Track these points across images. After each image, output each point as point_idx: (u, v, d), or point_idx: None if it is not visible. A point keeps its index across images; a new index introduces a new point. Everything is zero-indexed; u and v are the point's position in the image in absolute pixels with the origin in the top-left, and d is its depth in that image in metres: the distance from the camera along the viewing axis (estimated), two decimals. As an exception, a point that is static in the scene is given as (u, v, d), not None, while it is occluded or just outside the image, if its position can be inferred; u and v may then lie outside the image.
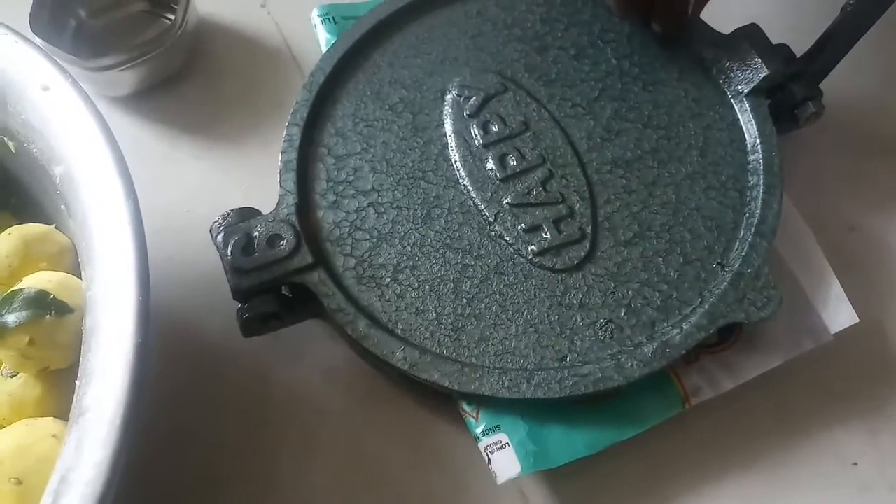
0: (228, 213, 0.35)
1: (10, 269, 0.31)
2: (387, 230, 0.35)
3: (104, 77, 0.41)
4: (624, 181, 0.36)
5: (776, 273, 0.35)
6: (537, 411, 0.34)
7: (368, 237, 0.35)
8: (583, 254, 0.34)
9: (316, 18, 0.43)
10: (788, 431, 0.35)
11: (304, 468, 0.34)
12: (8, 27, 0.32)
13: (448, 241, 0.35)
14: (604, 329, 0.33)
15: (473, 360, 0.33)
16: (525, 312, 0.33)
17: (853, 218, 0.40)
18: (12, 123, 0.32)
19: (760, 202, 0.35)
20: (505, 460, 0.33)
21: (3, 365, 0.31)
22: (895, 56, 0.44)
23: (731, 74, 0.37)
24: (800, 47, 0.38)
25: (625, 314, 0.33)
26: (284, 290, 0.35)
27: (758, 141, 0.36)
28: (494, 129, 0.37)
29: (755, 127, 0.36)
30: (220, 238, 0.34)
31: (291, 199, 0.35)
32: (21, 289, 0.30)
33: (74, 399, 0.26)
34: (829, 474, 0.34)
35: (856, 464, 0.35)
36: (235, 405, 0.35)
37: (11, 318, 0.29)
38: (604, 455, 0.33)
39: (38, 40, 0.38)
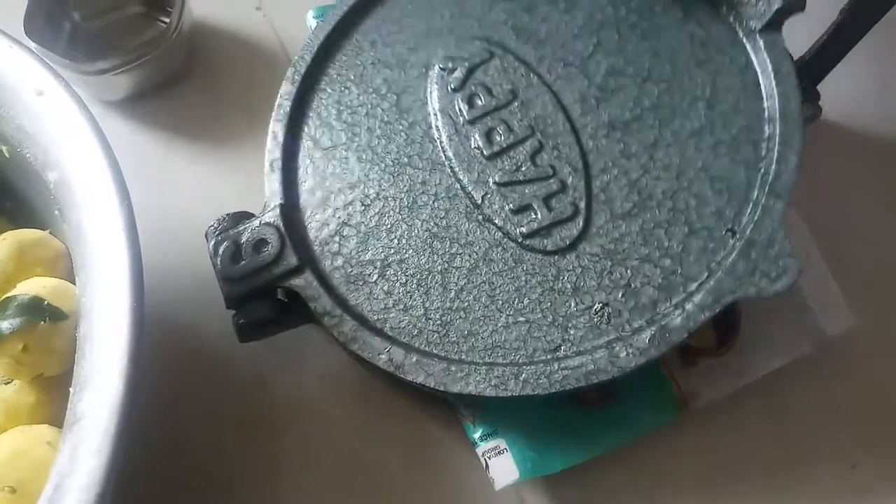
0: (224, 218, 0.35)
1: (4, 274, 0.31)
2: (373, 223, 0.34)
3: (99, 81, 0.40)
4: (622, 146, 0.32)
5: None
6: (535, 416, 0.33)
7: (355, 233, 0.34)
8: (576, 232, 0.32)
9: (311, 20, 0.41)
10: (787, 433, 0.35)
11: (302, 473, 0.34)
12: (2, 31, 0.32)
13: (435, 229, 0.33)
14: (599, 314, 0.30)
15: (462, 356, 0.31)
16: (515, 302, 0.31)
17: (851, 219, 0.39)
18: (6, 128, 0.32)
19: (776, 155, 0.30)
20: (503, 466, 0.32)
21: None
22: (894, 57, 0.43)
23: (742, 10, 0.33)
24: (797, 49, 0.36)
25: (623, 296, 0.30)
26: (280, 295, 0.34)
27: (773, 83, 0.31)
28: (480, 101, 0.34)
29: (770, 67, 0.32)
30: (211, 245, 0.34)
31: (277, 200, 0.34)
32: (15, 295, 0.30)
33: (69, 406, 0.26)
34: (828, 476, 0.34)
35: (854, 466, 0.34)
36: (233, 410, 0.35)
37: (5, 325, 0.29)
38: (602, 460, 0.33)
39: (32, 44, 0.38)
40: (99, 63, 0.40)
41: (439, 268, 0.32)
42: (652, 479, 0.34)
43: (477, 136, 0.34)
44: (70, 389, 0.26)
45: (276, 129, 0.36)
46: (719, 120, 0.32)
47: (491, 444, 0.33)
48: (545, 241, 0.32)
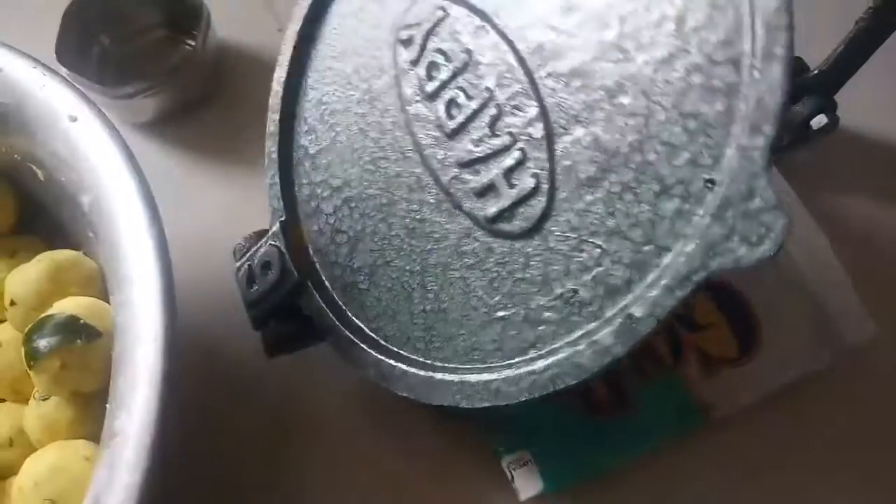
0: (251, 236, 0.36)
1: (40, 294, 0.32)
2: (359, 227, 0.32)
3: (127, 104, 0.42)
4: (584, 95, 0.27)
5: (790, 284, 0.34)
6: (559, 426, 0.33)
7: (346, 239, 0.33)
8: (539, 209, 0.27)
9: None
10: (808, 444, 0.34)
11: (328, 488, 0.34)
12: (37, 60, 0.33)
13: (411, 225, 0.31)
14: (570, 304, 0.26)
15: (445, 363, 0.29)
16: (488, 297, 0.28)
17: (872, 229, 0.39)
18: (41, 153, 0.33)
19: (757, 73, 0.23)
20: (527, 477, 0.32)
21: (36, 388, 0.31)
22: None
23: None
24: (814, 59, 0.37)
25: (592, 280, 0.26)
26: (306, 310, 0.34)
27: (751, -25, 0.24)
28: (438, 72, 0.31)
29: (750, -49, 0.24)
30: (234, 269, 0.35)
31: (278, 217, 0.34)
32: (52, 314, 0.30)
33: (106, 422, 0.27)
34: (851, 487, 0.34)
35: (878, 474, 0.34)
36: (263, 424, 0.36)
37: (43, 344, 0.29)
38: (625, 470, 0.33)
39: (63, 70, 0.40)
40: (127, 87, 0.41)
41: (418, 267, 0.30)
42: (674, 489, 0.34)
43: (439, 111, 0.30)
44: (107, 406, 0.27)
45: (269, 144, 0.35)
46: (692, 38, 0.25)
47: (515, 455, 0.32)
48: (510, 224, 0.28)
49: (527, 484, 0.32)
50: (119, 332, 0.28)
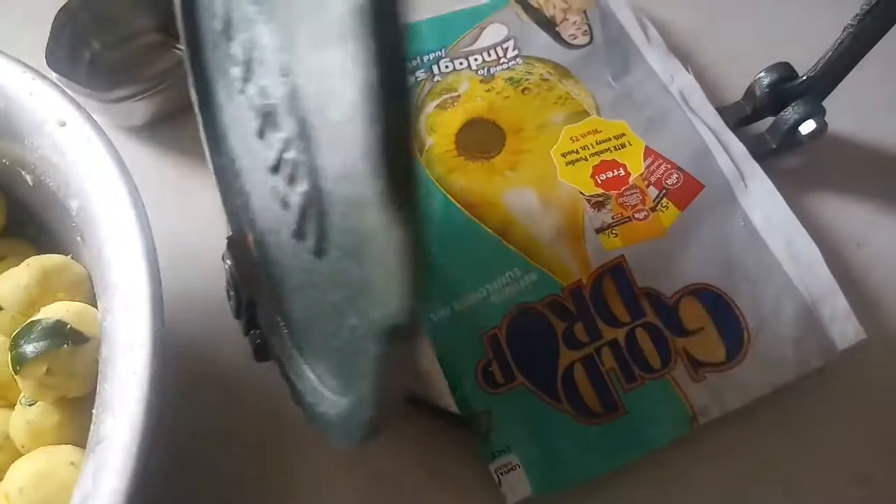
0: None
1: (28, 299, 0.32)
2: (263, 237, 0.30)
3: (119, 108, 0.42)
4: (322, 60, 0.18)
5: (778, 288, 0.34)
6: (547, 431, 0.32)
7: (262, 252, 0.31)
8: (317, 223, 0.22)
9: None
10: (798, 449, 0.34)
11: (316, 491, 0.34)
12: (26, 65, 0.33)
13: (277, 238, 0.27)
14: (355, 340, 0.21)
15: (329, 392, 0.26)
16: (326, 323, 0.24)
17: (860, 234, 0.39)
18: (30, 157, 0.33)
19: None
20: (515, 482, 0.32)
21: (22, 393, 0.31)
22: (898, 71, 0.41)
23: None
24: (803, 64, 0.39)
25: (360, 312, 0.20)
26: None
27: None
28: (237, 65, 0.25)
29: None
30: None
31: (228, 231, 0.34)
32: (39, 319, 0.30)
33: (92, 427, 0.27)
34: (840, 491, 0.34)
35: (868, 477, 0.34)
36: (250, 427, 0.35)
37: (30, 349, 0.29)
38: (614, 475, 0.33)
39: (53, 75, 0.40)
40: (118, 91, 0.41)
41: (294, 283, 0.27)
42: (663, 493, 0.33)
43: (245, 109, 0.26)
44: (93, 411, 0.27)
45: (206, 155, 0.34)
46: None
47: (503, 460, 0.32)
48: (306, 241, 0.23)
49: (514, 489, 0.32)
50: (106, 336, 0.28)
